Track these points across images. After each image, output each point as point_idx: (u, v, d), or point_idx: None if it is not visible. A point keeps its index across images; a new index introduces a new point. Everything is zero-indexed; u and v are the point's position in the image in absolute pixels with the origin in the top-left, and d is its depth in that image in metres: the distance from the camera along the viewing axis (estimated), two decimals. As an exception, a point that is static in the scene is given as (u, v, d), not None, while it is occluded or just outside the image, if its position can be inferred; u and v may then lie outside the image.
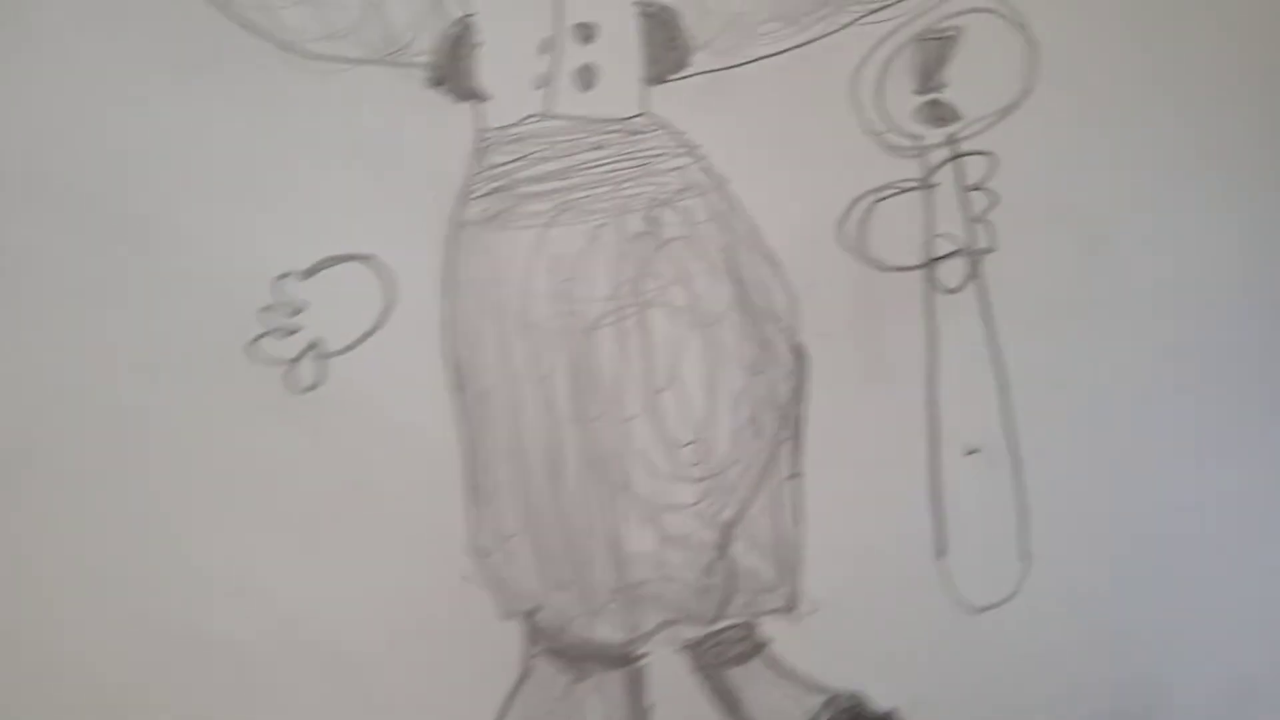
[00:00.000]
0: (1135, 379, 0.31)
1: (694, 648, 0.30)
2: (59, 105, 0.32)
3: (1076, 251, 0.32)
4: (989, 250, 0.31)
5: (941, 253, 0.31)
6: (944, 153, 0.32)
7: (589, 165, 0.32)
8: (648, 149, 0.32)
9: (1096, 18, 0.34)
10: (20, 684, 0.28)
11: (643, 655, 0.29)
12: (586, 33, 0.32)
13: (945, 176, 0.32)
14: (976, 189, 0.32)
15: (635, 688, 0.29)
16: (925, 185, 0.32)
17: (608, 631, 0.29)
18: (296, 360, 0.30)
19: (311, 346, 0.31)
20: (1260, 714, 0.28)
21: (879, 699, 0.29)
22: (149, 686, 0.28)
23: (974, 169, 0.32)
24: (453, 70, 0.32)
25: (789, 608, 0.30)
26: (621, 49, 0.32)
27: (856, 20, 0.32)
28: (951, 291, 0.31)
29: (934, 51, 0.33)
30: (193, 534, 0.30)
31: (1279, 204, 0.33)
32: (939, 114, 0.33)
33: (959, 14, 0.32)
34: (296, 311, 0.31)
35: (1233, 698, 0.28)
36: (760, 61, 0.33)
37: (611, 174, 0.32)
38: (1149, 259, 0.32)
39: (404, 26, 0.32)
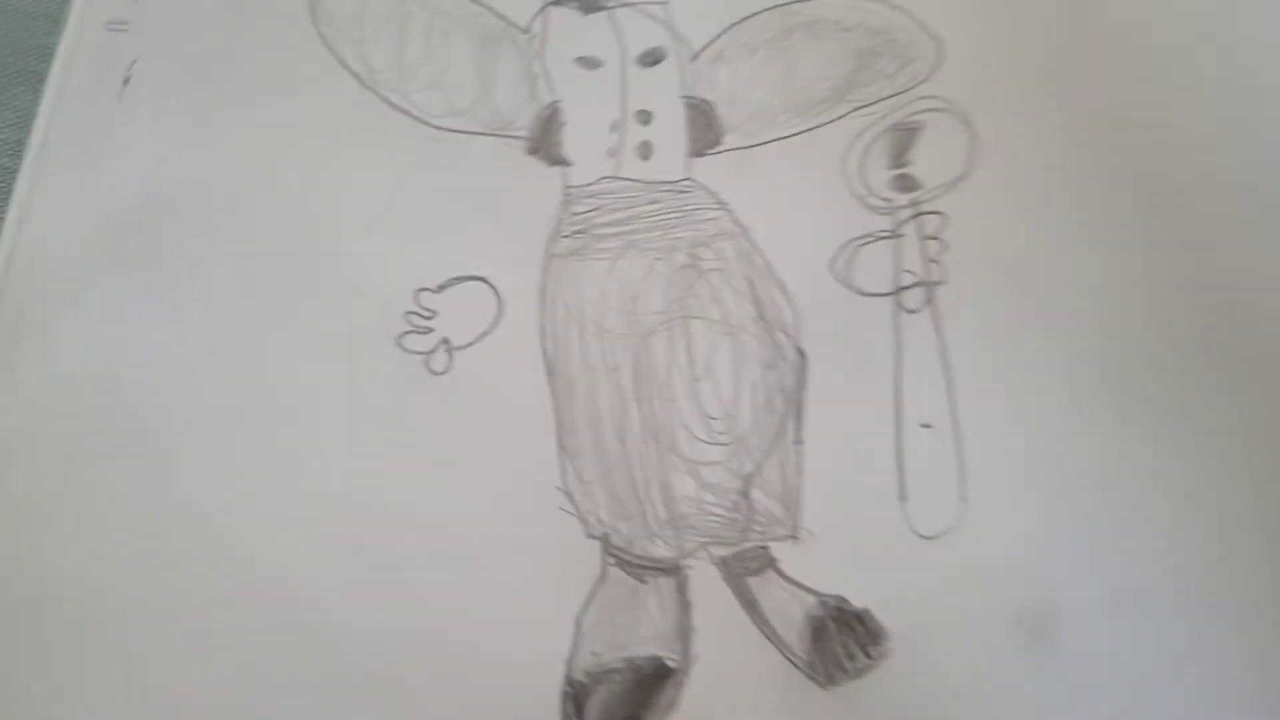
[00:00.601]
0: (1049, 375, 0.35)
1: (723, 562, 0.33)
2: (264, 154, 0.37)
3: (1006, 283, 0.36)
4: (941, 282, 0.36)
5: (906, 284, 0.36)
6: (909, 211, 0.37)
7: (647, 215, 0.37)
8: (691, 204, 0.37)
9: (1024, 112, 0.38)
10: (228, 596, 0.32)
11: (687, 567, 0.33)
12: (645, 117, 0.38)
13: (909, 229, 0.37)
14: (933, 238, 0.37)
15: (681, 589, 0.33)
16: (895, 235, 0.37)
17: (661, 550, 0.33)
18: (432, 352, 0.35)
19: (443, 342, 0.35)
20: (1135, 620, 0.32)
21: (857, 601, 0.33)
22: (326, 591, 0.32)
23: (931, 224, 0.37)
24: (545, 142, 0.38)
25: (792, 536, 0.34)
26: (672, 130, 0.38)
27: (847, 114, 0.39)
28: (912, 312, 0.36)
29: (903, 138, 0.38)
30: (356, 476, 0.33)
31: (1184, 245, 0.36)
32: (906, 184, 0.37)
33: (922, 111, 0.38)
34: (432, 316, 0.36)
35: (1113, 606, 0.33)
36: (776, 142, 0.38)
37: (663, 222, 0.37)
38: (1064, 286, 0.36)
39: (508, 108, 0.38)
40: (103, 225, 0.36)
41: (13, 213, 0.36)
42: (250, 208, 0.36)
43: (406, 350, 0.35)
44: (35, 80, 0.38)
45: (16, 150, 0.37)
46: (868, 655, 0.33)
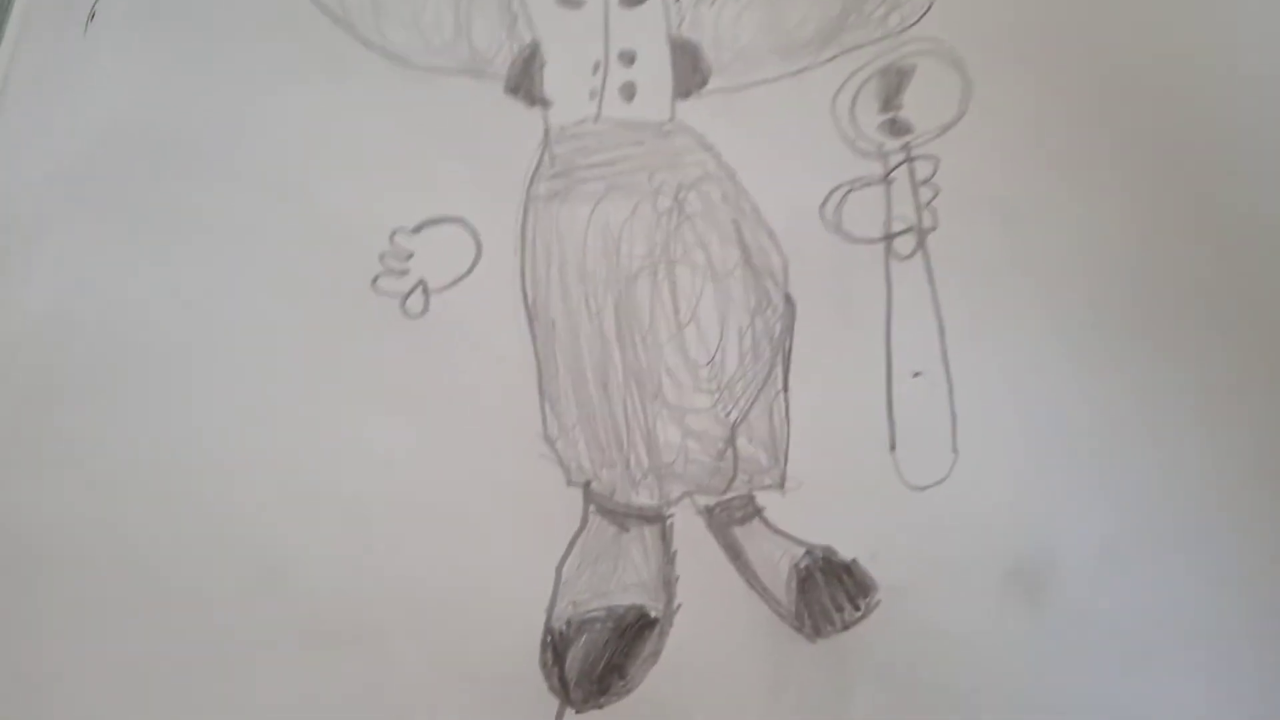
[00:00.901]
0: (1040, 323, 0.35)
1: (708, 511, 0.33)
2: (232, 94, 0.37)
3: (997, 229, 0.35)
4: (933, 228, 0.36)
5: (897, 230, 0.36)
6: (900, 156, 0.37)
7: (630, 158, 0.36)
8: (676, 146, 0.37)
9: (1014, 57, 0.38)
10: (197, 544, 0.32)
11: (670, 515, 0.33)
12: (629, 58, 0.37)
13: (901, 174, 0.36)
14: (924, 183, 0.36)
15: (665, 538, 0.33)
16: (886, 180, 0.36)
17: (644, 498, 0.33)
18: (408, 295, 0.35)
19: (419, 284, 0.35)
20: (1129, 569, 0.32)
21: (844, 552, 0.33)
22: (300, 538, 0.32)
23: (922, 169, 0.36)
24: (524, 81, 0.37)
25: (779, 485, 0.33)
26: (656, 70, 0.37)
27: (836, 56, 0.38)
28: (904, 259, 0.35)
29: (894, 81, 0.37)
30: (328, 422, 0.33)
31: (1170, 190, 0.36)
32: (897, 128, 0.37)
33: (913, 54, 0.38)
34: (408, 257, 0.35)
35: (1107, 555, 0.32)
36: (763, 84, 0.37)
37: (647, 164, 0.36)
38: (1054, 232, 0.35)
39: (486, 47, 0.37)
40: (64, 167, 0.35)
41: (-29, 154, 0.35)
42: (216, 148, 0.36)
43: (381, 293, 0.35)
44: (-3, 13, 0.37)
45: (-25, 89, 0.36)
46: (855, 607, 0.32)
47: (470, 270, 0.35)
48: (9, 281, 0.34)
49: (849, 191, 0.37)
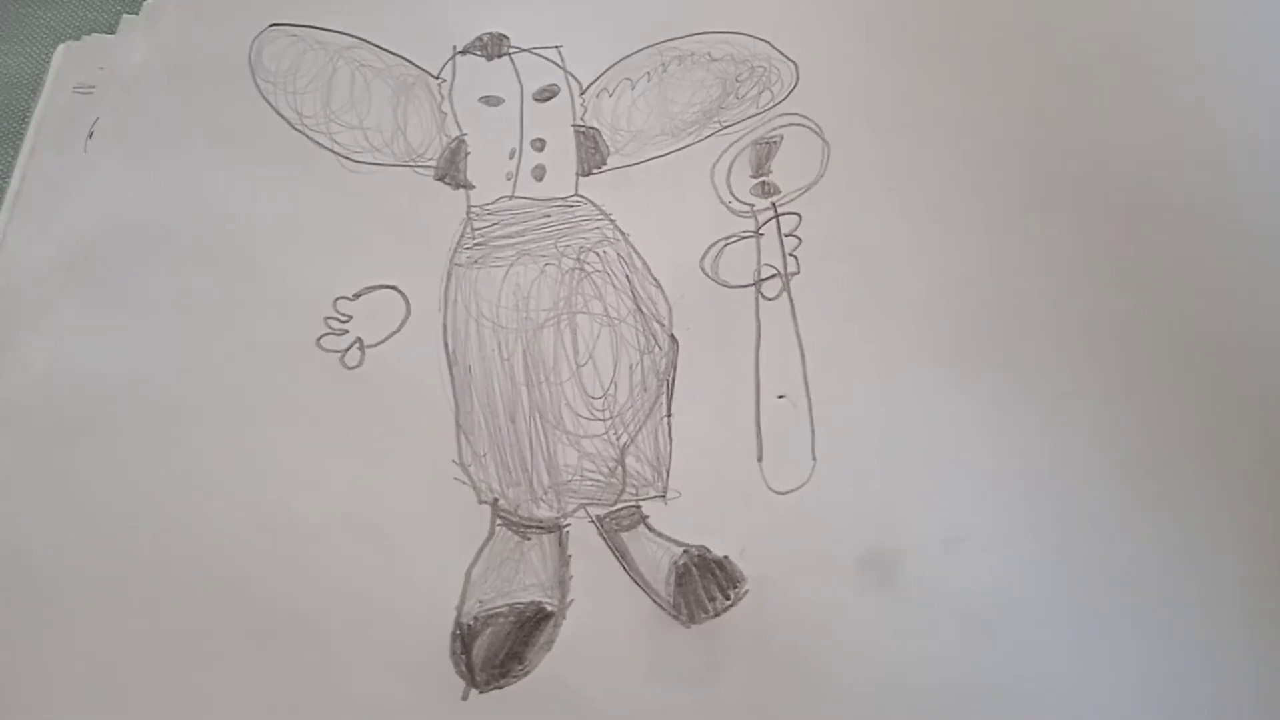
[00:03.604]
0: (888, 349, 0.39)
1: (599, 520, 0.37)
2: (207, 191, 0.42)
3: (852, 271, 0.39)
4: (796, 273, 0.40)
5: (766, 275, 0.40)
6: (769, 214, 0.41)
7: (539, 228, 0.41)
8: (578, 215, 0.41)
9: (867, 123, 0.43)
10: (172, 559, 0.36)
11: (567, 525, 0.37)
12: (540, 144, 0.43)
13: (769, 229, 0.41)
14: (789, 235, 0.41)
15: (561, 544, 0.37)
16: (756, 234, 0.41)
17: (544, 511, 0.37)
18: (347, 350, 0.39)
19: (357, 341, 0.39)
20: (968, 559, 0.35)
21: (717, 550, 0.36)
22: (258, 553, 0.36)
23: (787, 223, 0.41)
24: (451, 169, 0.43)
25: (661, 495, 0.37)
26: (563, 154, 0.43)
27: (715, 134, 0.43)
28: (771, 299, 0.40)
29: (763, 150, 0.42)
30: (280, 457, 0.37)
31: (1012, 230, 0.40)
32: (766, 190, 0.41)
33: (780, 126, 0.43)
34: (347, 320, 0.40)
35: (948, 548, 0.36)
36: (652, 160, 0.43)
37: (554, 232, 0.41)
38: (902, 271, 0.40)
39: (419, 143, 0.43)
40: (66, 254, 0.41)
41: (-10, 247, 0.42)
42: (190, 236, 0.41)
43: (325, 349, 0.39)
44: (14, 139, 0.44)
45: (-4, 196, 0.42)
46: (726, 597, 0.36)
47: (400, 328, 0.40)
48: (19, 345, 0.39)
49: (725, 245, 0.41)
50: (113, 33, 0.46)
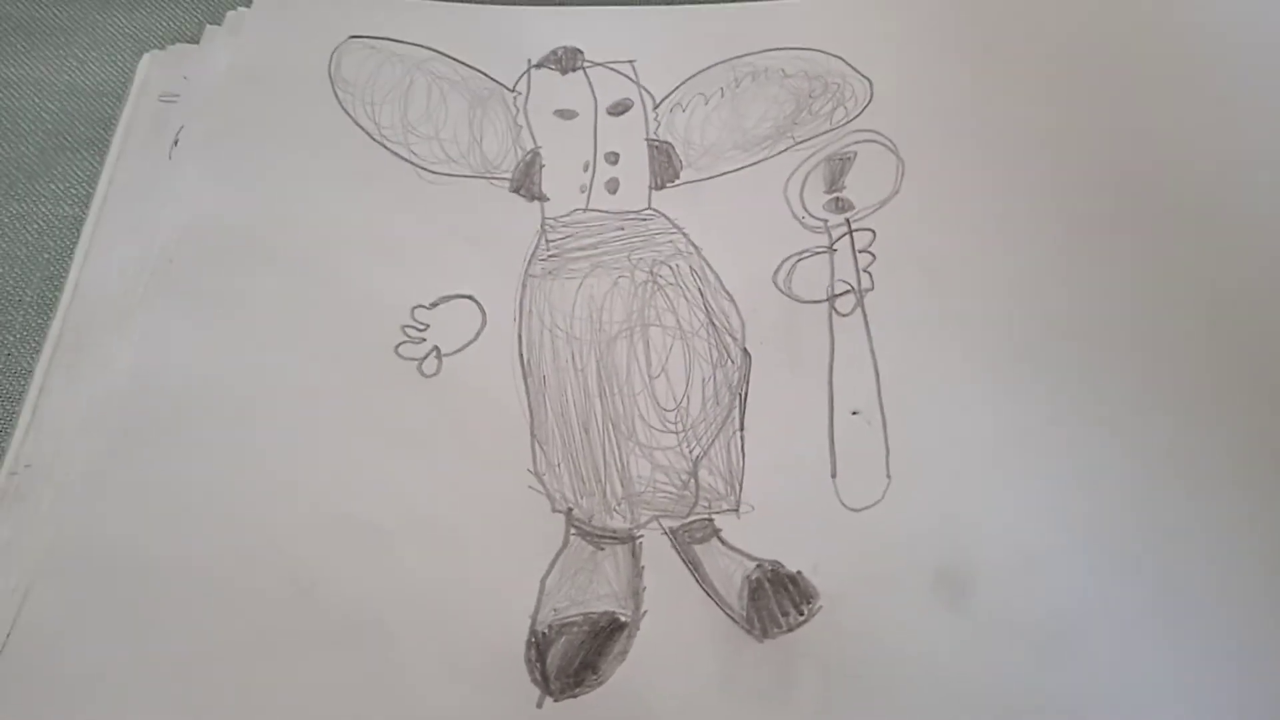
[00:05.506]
0: (962, 365, 0.38)
1: (672, 533, 0.37)
2: (287, 199, 0.43)
3: (925, 287, 0.40)
4: (870, 289, 0.40)
5: (839, 291, 0.40)
6: (843, 229, 0.41)
7: (613, 240, 0.42)
8: (651, 229, 0.42)
9: (941, 139, 0.43)
10: (246, 560, 0.36)
11: (640, 536, 0.37)
12: (614, 158, 0.43)
13: (843, 244, 0.41)
14: (863, 251, 0.41)
15: (635, 556, 0.36)
16: (830, 250, 0.41)
17: (618, 522, 0.37)
18: (424, 358, 0.39)
19: (434, 350, 0.40)
20: (1046, 579, 0.35)
21: (791, 565, 0.36)
22: (330, 556, 0.36)
23: (861, 239, 0.41)
24: (526, 181, 0.43)
25: (734, 509, 0.37)
26: (636, 168, 0.43)
27: (788, 149, 0.44)
28: (845, 315, 0.40)
29: (838, 167, 0.43)
30: (357, 462, 0.38)
31: (1084, 241, 0.40)
32: (840, 206, 0.42)
33: (854, 143, 0.44)
34: (425, 328, 0.40)
35: (1026, 567, 0.35)
36: (725, 175, 0.43)
37: (627, 245, 0.41)
38: (975, 286, 0.40)
39: (495, 155, 0.44)
40: (151, 259, 0.42)
41: (79, 251, 0.42)
42: (271, 242, 0.42)
43: (402, 357, 0.40)
44: (101, 145, 0.45)
45: (84, 201, 0.44)
46: (800, 612, 0.36)
47: (476, 337, 0.40)
48: (104, 353, 0.40)
49: (798, 261, 0.41)
50: (196, 42, 0.47)
